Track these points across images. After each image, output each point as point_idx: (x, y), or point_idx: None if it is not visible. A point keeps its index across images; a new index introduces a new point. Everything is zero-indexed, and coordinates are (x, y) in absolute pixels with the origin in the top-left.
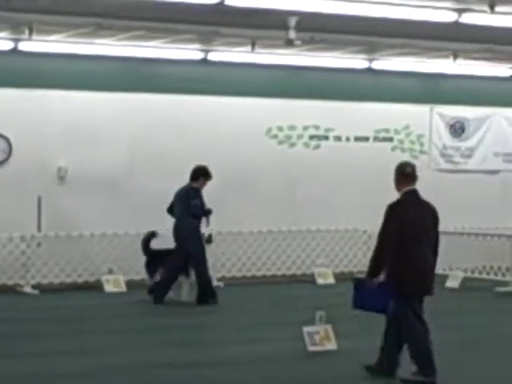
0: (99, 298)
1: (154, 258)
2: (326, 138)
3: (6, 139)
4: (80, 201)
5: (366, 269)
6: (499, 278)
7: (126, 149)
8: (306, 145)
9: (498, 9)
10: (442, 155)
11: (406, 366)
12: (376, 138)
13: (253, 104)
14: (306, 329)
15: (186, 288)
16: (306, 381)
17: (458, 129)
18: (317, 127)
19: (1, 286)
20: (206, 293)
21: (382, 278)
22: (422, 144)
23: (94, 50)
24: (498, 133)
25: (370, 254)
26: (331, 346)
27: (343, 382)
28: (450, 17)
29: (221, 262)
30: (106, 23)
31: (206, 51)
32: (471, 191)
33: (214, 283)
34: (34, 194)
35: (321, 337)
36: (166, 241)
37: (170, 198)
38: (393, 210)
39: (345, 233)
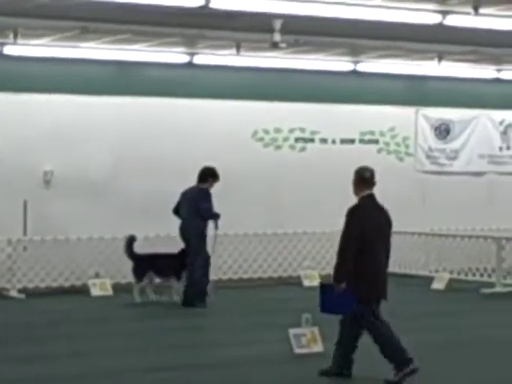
0: (86, 302)
1: (141, 262)
2: (312, 140)
3: None
4: (66, 204)
5: None
6: (485, 279)
7: (111, 152)
8: (292, 147)
9: (482, 11)
10: (428, 157)
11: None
12: (362, 141)
13: (238, 107)
14: (293, 331)
15: (176, 291)
16: (292, 383)
17: (443, 131)
18: (302, 130)
19: None
20: (194, 296)
21: (344, 284)
22: (407, 146)
23: (80, 53)
24: (483, 135)
25: None
26: (318, 348)
27: None
28: (434, 19)
29: None
30: (91, 27)
31: (192, 54)
32: (456, 193)
33: None
34: (19, 198)
35: (307, 339)
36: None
37: (157, 201)
38: (352, 215)
39: (331, 235)
